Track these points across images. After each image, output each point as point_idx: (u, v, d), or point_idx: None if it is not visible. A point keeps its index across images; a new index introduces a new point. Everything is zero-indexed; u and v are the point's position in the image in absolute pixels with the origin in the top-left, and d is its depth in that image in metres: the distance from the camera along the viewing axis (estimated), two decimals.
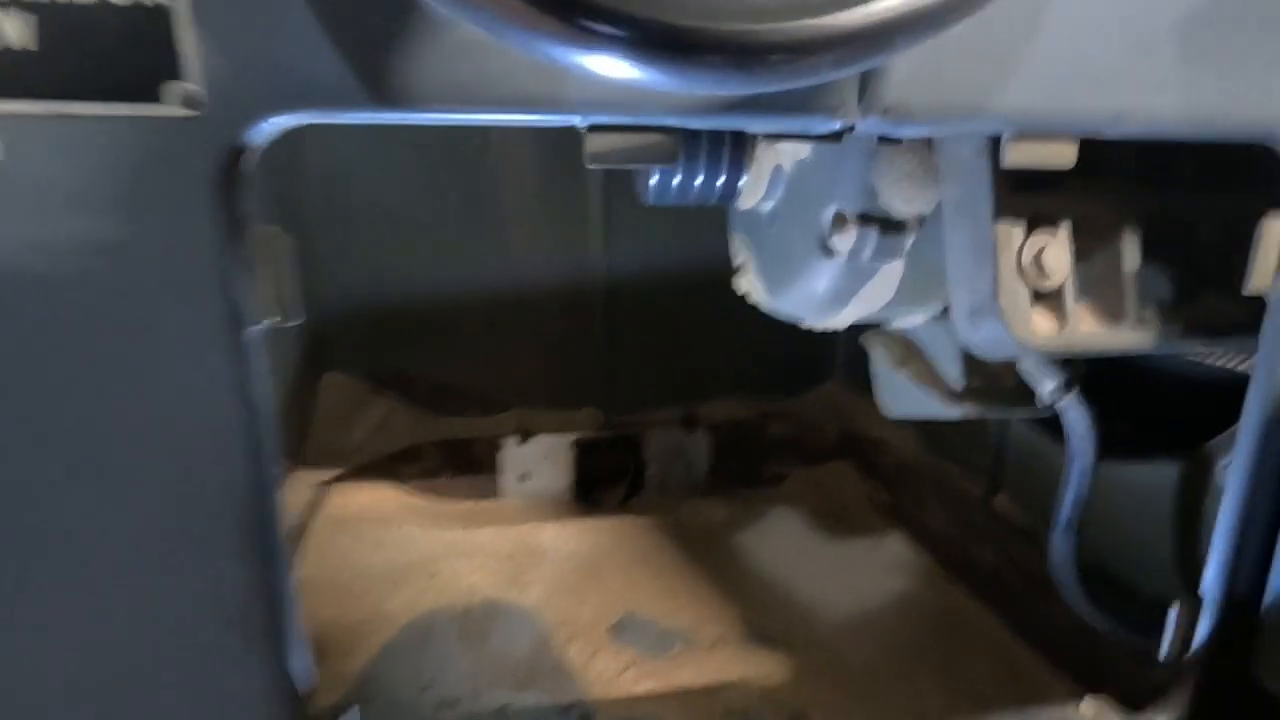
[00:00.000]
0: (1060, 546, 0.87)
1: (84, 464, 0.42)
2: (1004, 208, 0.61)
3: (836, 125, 0.45)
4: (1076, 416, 0.80)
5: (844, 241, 0.75)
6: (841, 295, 0.82)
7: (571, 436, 1.65)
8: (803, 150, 0.81)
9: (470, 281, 1.58)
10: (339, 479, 1.55)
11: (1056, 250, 0.61)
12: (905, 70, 0.43)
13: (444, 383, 1.60)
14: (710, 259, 1.68)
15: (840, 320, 0.88)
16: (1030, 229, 0.62)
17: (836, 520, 1.67)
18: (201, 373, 0.43)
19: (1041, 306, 0.63)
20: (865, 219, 0.74)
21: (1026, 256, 0.61)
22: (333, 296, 1.49)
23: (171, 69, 0.38)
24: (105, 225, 0.40)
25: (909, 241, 0.75)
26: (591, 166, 0.46)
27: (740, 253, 1.00)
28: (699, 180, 0.86)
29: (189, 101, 0.38)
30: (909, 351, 0.90)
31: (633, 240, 1.62)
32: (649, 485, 1.72)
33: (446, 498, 1.62)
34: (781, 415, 1.77)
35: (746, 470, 1.75)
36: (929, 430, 1.50)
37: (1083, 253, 0.63)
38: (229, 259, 0.41)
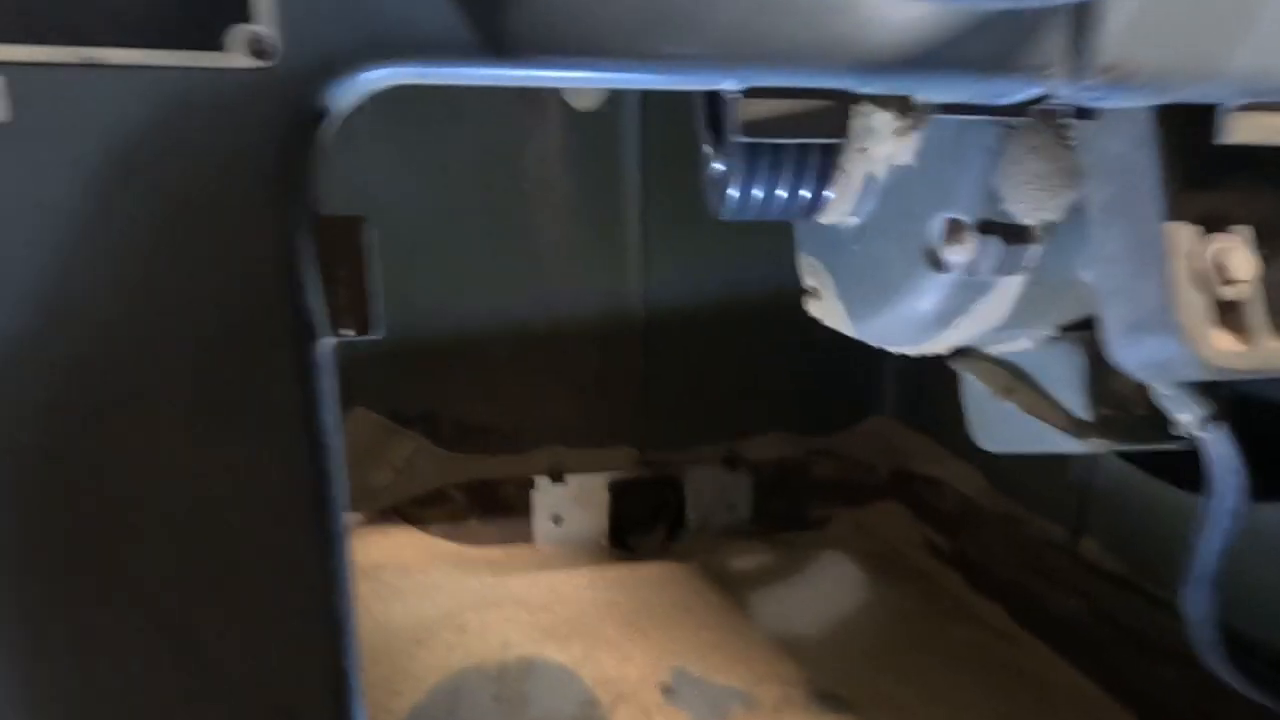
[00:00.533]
0: (1198, 601, 0.76)
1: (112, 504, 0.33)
2: (1175, 206, 0.52)
3: (1034, 91, 0.37)
4: (1224, 452, 0.70)
5: (959, 253, 0.67)
6: (947, 316, 0.73)
7: (607, 477, 1.54)
8: (901, 155, 0.72)
9: (501, 313, 1.49)
10: (360, 524, 1.45)
11: (1240, 254, 0.52)
12: (1125, 21, 0.35)
13: (471, 420, 1.51)
14: (753, 289, 1.61)
15: (939, 345, 0.78)
16: (1206, 230, 0.53)
17: (890, 565, 1.56)
18: (258, 395, 0.33)
19: (1220, 319, 0.54)
20: (986, 227, 0.65)
21: (1204, 262, 0.53)
22: None
23: (237, 9, 0.30)
24: (142, 207, 0.31)
25: (1037, 252, 0.66)
26: (742, 139, 0.37)
27: (812, 275, 0.91)
28: (783, 192, 0.78)
29: (258, 49, 0.30)
30: (1013, 379, 0.81)
31: (672, 270, 1.54)
32: (689, 528, 1.62)
33: (474, 543, 1.51)
34: (828, 453, 1.67)
35: (791, 512, 1.65)
36: (997, 467, 1.40)
37: (1266, 257, 0.54)
38: (298, 253, 0.33)
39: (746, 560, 1.58)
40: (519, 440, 1.54)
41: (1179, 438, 0.74)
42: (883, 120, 0.72)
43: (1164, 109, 0.48)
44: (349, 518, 0.37)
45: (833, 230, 0.84)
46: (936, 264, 0.69)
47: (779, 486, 1.67)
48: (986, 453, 1.48)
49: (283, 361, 0.34)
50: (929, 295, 0.71)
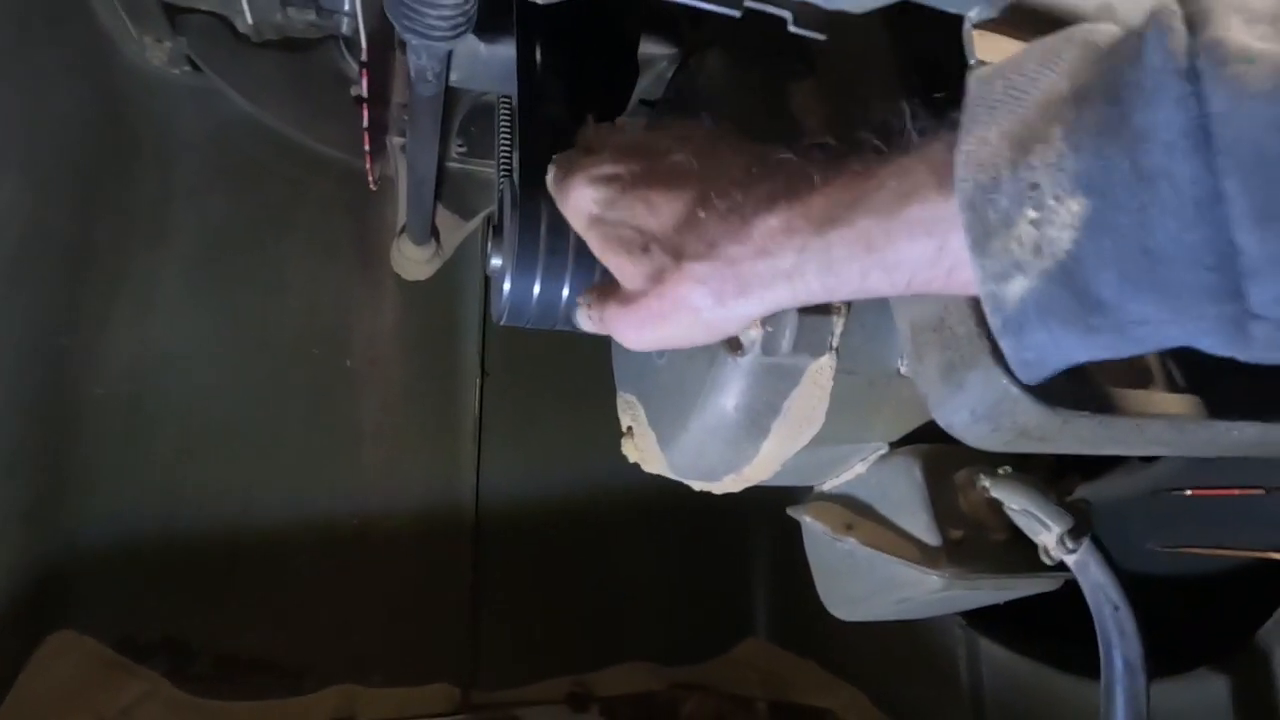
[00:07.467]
0: None
1: None
2: None
3: None
4: (1097, 580, 0.55)
5: (754, 329, 0.56)
6: (759, 416, 0.59)
7: None
8: None
9: (302, 507, 1.24)
10: None
11: None
12: None
13: (241, 651, 1.17)
14: (606, 491, 1.45)
15: (765, 468, 0.64)
16: None
17: None
18: None
19: None
20: None
21: None
22: (95, 520, 1.10)
23: None
24: None
25: (837, 326, 0.56)
26: None
27: (626, 413, 0.78)
28: (566, 290, 0.66)
29: None
30: (853, 513, 0.66)
31: (510, 465, 1.36)
32: None
33: None
34: (697, 685, 1.39)
35: None
36: (882, 687, 1.17)
37: None
38: None
39: None
40: (301, 678, 1.20)
41: (1053, 570, 0.60)
42: None
43: None
44: None
45: (639, 354, 0.73)
46: (734, 347, 0.58)
47: None
48: (871, 673, 1.26)
49: None
50: (731, 388, 0.59)
